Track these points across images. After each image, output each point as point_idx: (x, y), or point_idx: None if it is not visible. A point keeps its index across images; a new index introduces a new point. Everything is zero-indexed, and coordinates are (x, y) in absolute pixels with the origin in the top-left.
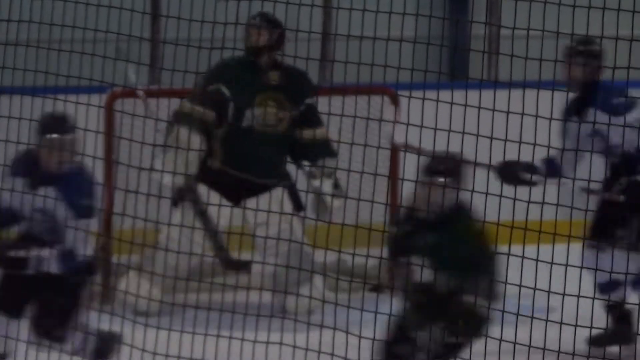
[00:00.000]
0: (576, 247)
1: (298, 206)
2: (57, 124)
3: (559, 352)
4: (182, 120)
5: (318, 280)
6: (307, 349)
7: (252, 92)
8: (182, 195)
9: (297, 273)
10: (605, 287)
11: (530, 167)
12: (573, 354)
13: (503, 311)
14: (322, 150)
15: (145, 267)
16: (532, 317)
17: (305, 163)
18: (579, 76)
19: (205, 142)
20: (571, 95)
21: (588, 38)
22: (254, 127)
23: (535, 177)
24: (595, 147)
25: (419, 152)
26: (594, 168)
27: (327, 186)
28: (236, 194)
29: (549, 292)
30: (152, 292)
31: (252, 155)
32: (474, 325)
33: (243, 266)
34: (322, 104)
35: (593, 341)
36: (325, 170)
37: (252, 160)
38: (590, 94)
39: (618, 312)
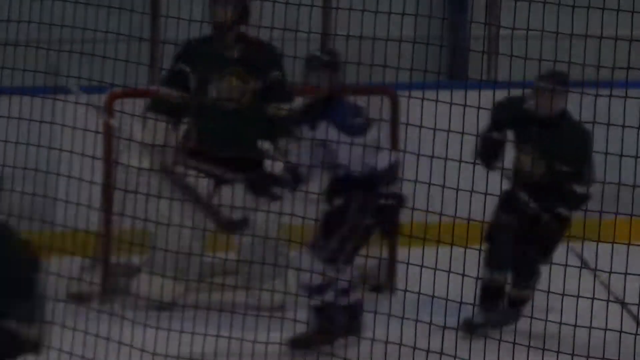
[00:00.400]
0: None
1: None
2: None
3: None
4: (151, 106)
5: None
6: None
7: (214, 67)
8: (165, 178)
9: (265, 267)
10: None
11: (277, 179)
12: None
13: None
14: (282, 129)
15: (153, 264)
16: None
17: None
18: (324, 86)
19: (178, 124)
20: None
21: (331, 49)
22: (217, 102)
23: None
24: (323, 160)
25: None
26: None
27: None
28: (216, 172)
29: (548, 292)
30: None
31: (221, 131)
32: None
33: (239, 225)
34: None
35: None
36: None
37: (221, 135)
38: (328, 107)
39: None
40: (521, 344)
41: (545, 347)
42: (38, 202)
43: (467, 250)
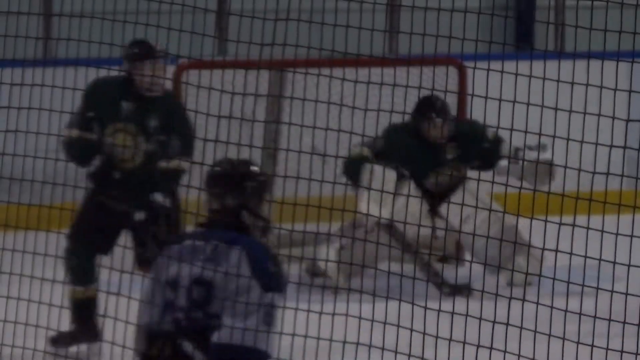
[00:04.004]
0: None
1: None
2: None
3: (624, 322)
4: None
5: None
6: (372, 320)
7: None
8: None
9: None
10: None
11: None
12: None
13: (568, 282)
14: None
15: None
16: (597, 288)
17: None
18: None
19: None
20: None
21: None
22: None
23: None
24: None
25: None
26: None
27: None
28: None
29: (614, 262)
30: None
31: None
32: None
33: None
34: (387, 75)
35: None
36: None
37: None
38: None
39: None
40: (587, 315)
41: None
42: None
43: (533, 221)
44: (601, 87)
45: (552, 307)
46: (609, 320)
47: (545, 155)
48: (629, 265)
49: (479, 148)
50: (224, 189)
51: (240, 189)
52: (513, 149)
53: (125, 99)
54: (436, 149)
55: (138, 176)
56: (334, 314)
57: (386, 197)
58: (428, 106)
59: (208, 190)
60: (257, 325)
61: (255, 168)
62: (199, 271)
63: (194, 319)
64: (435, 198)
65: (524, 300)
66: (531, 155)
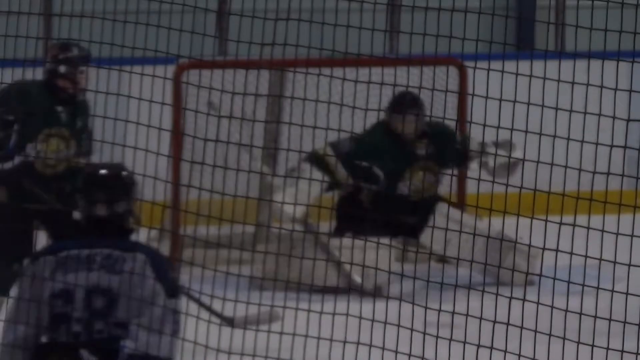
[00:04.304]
0: None
1: None
2: None
3: (624, 322)
4: None
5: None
6: (373, 320)
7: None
8: None
9: None
10: None
11: None
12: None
13: (569, 281)
14: None
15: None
16: (597, 288)
17: None
18: None
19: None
20: None
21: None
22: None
23: None
24: None
25: None
26: None
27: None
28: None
29: (614, 262)
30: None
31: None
32: None
33: None
34: (388, 74)
35: None
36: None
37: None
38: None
39: None
40: (587, 315)
41: None
42: None
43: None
44: (601, 87)
45: (552, 307)
46: (610, 320)
47: (516, 154)
48: (629, 265)
49: (452, 150)
50: (114, 196)
51: (129, 194)
52: (481, 144)
53: (53, 103)
54: (408, 145)
55: (59, 182)
56: (334, 314)
57: (301, 194)
58: (398, 102)
59: (91, 196)
60: (169, 332)
61: (129, 172)
62: (95, 280)
63: (96, 330)
64: (410, 206)
65: (524, 300)
66: (499, 152)
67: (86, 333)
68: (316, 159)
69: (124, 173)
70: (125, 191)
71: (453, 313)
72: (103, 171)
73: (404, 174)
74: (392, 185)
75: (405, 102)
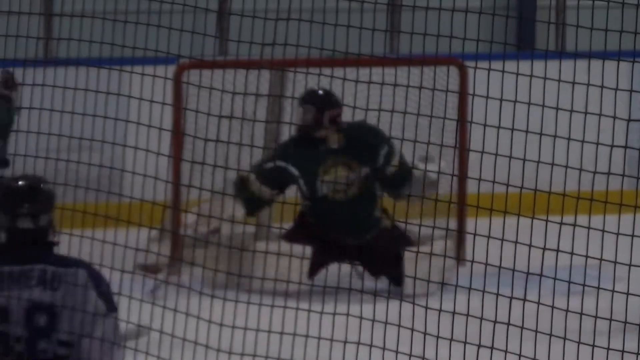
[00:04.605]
0: None
1: None
2: None
3: (625, 322)
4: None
5: None
6: (373, 320)
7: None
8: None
9: None
10: None
11: None
12: None
13: (569, 281)
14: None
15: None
16: (598, 288)
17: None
18: None
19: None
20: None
21: None
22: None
23: None
24: None
25: None
26: None
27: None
28: None
29: (615, 262)
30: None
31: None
32: None
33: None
34: (388, 74)
35: None
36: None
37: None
38: None
39: None
40: (587, 315)
41: None
42: (105, 174)
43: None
44: (602, 86)
45: (552, 307)
46: (610, 320)
47: (433, 167)
48: (629, 265)
49: (369, 147)
50: (39, 208)
51: (51, 207)
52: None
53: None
54: (318, 141)
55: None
56: (334, 314)
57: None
58: (301, 96)
59: (14, 209)
60: (117, 349)
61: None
62: (37, 297)
63: (40, 350)
64: (337, 207)
65: (524, 300)
66: (421, 165)
67: (29, 353)
68: (238, 183)
69: (45, 185)
70: (48, 203)
71: (453, 313)
72: (24, 183)
73: (317, 170)
74: (309, 184)
75: (305, 96)
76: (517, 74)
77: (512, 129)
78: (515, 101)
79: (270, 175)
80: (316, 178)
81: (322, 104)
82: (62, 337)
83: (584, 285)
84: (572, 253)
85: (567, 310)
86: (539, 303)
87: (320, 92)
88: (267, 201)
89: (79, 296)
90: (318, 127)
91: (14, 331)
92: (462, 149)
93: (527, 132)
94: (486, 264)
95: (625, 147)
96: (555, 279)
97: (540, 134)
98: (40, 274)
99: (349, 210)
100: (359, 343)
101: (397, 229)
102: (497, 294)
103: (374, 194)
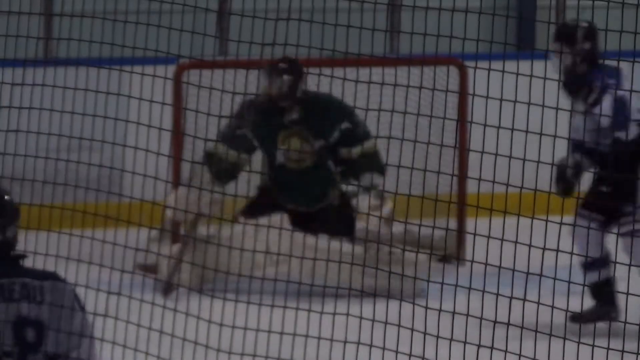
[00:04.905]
0: None
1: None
2: None
3: (625, 322)
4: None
5: None
6: (373, 320)
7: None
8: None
9: None
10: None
11: None
12: None
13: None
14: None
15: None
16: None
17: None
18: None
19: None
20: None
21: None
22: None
23: None
24: None
25: None
26: None
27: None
28: None
29: (615, 262)
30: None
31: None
32: None
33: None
34: (388, 74)
35: (573, 318)
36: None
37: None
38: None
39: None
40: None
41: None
42: (105, 174)
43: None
44: (602, 86)
45: (552, 307)
46: (610, 320)
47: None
48: (629, 265)
49: (328, 121)
50: (6, 221)
51: (17, 218)
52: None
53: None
54: (278, 110)
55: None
56: (334, 314)
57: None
58: (270, 66)
59: None
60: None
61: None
62: (25, 311)
63: None
64: (293, 176)
65: (524, 300)
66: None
67: None
68: (207, 156)
69: (8, 197)
70: (15, 215)
71: (453, 313)
72: None
73: (276, 139)
74: (268, 152)
75: (275, 66)
76: (517, 74)
77: (512, 129)
78: (515, 101)
79: (234, 141)
80: (274, 147)
81: (291, 74)
82: (49, 350)
83: (584, 285)
84: (572, 253)
85: (567, 310)
86: (538, 303)
87: (288, 63)
88: (236, 165)
89: (65, 309)
90: (283, 97)
91: (3, 347)
92: (462, 149)
93: (527, 132)
94: (486, 264)
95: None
96: (555, 279)
97: (540, 134)
98: (21, 288)
99: (301, 180)
100: (359, 343)
101: (344, 211)
102: (497, 294)
103: (328, 169)
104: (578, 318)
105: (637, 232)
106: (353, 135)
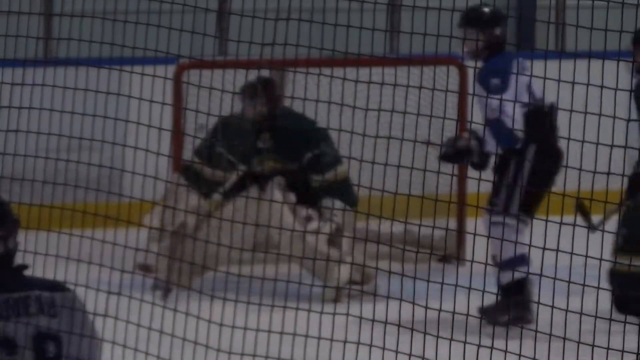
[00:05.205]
0: None
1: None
2: None
3: (625, 322)
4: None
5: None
6: (373, 320)
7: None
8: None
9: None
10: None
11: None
12: None
13: (569, 281)
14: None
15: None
16: (597, 287)
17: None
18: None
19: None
20: None
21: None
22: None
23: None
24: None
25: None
26: None
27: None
28: None
29: (615, 262)
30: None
31: None
32: None
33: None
34: (388, 74)
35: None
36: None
37: None
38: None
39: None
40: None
41: None
42: (105, 174)
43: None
44: (602, 86)
45: (552, 307)
46: (610, 319)
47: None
48: (630, 265)
49: (296, 144)
50: (9, 231)
51: (18, 228)
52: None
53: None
54: (253, 132)
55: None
56: (334, 314)
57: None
58: (247, 88)
59: None
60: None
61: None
62: (45, 325)
63: None
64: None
65: (524, 300)
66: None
67: None
68: (184, 170)
69: (6, 205)
70: (16, 225)
71: (453, 313)
72: None
73: (251, 160)
74: (245, 169)
75: (247, 86)
76: (517, 74)
77: (512, 129)
78: (515, 101)
79: (210, 158)
80: (250, 166)
81: (265, 96)
82: None
83: (584, 285)
84: (572, 253)
85: (567, 310)
86: (539, 303)
87: (262, 85)
88: (215, 182)
89: (77, 319)
90: (257, 119)
91: None
92: None
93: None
94: (486, 264)
95: (625, 147)
96: (555, 279)
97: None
98: (35, 301)
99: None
100: (359, 343)
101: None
102: (497, 294)
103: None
104: (488, 314)
105: (496, 223)
106: (323, 160)
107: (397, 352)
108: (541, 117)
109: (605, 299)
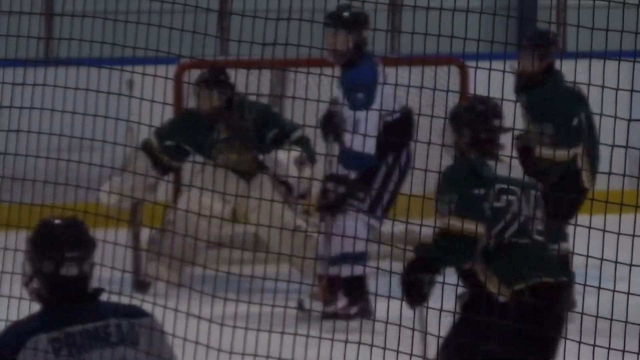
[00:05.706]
0: None
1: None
2: None
3: (626, 322)
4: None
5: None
6: (373, 320)
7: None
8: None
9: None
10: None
11: None
12: None
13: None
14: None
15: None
16: (599, 287)
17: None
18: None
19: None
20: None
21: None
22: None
23: None
24: None
25: None
26: None
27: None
28: None
29: (616, 262)
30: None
31: None
32: None
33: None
34: (390, 74)
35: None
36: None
37: None
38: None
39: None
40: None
41: None
42: (105, 174)
43: None
44: (603, 86)
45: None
46: (611, 319)
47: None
48: (630, 265)
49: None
50: (86, 253)
51: (93, 251)
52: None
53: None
54: (209, 124)
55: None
56: (334, 314)
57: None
58: (202, 80)
59: (61, 254)
60: None
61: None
62: (123, 356)
63: None
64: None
65: (526, 300)
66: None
67: None
68: (144, 146)
69: (85, 226)
70: (93, 248)
71: (454, 313)
72: (70, 226)
73: (210, 152)
74: (205, 158)
75: (201, 78)
76: (518, 74)
77: (513, 129)
78: (515, 101)
79: (167, 148)
80: (209, 157)
81: (219, 87)
82: None
83: (584, 285)
84: (572, 253)
85: (567, 310)
86: (539, 303)
87: (216, 76)
88: (170, 167)
89: (156, 345)
90: (212, 111)
91: None
92: None
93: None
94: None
95: (626, 147)
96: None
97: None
98: (116, 330)
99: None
100: (359, 343)
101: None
102: (498, 294)
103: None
104: (330, 315)
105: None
106: (282, 135)
107: (397, 352)
108: (407, 124)
109: (607, 298)
